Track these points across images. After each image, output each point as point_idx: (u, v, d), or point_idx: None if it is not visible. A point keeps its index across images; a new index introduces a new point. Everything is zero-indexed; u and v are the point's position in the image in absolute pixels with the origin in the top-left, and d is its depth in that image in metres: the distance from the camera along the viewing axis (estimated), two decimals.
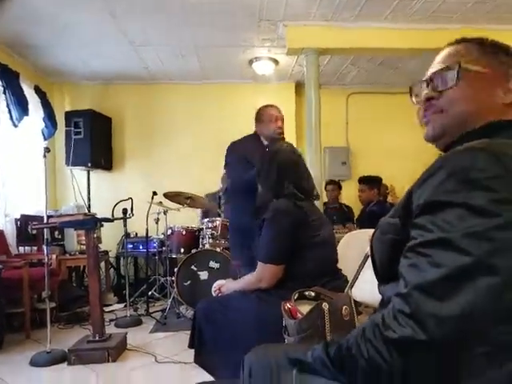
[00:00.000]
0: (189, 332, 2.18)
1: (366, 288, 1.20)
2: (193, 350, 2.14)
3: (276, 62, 5.81)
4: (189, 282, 4.41)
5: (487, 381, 0.75)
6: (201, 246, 4.70)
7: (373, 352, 0.77)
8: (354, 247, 2.32)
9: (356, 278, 1.50)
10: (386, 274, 0.84)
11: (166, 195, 4.79)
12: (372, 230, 1.05)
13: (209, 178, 5.92)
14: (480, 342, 0.73)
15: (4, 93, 4.81)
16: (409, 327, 0.73)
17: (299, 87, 6.73)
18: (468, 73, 1.01)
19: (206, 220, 4.82)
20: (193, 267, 4.42)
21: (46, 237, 3.40)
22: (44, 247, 3.41)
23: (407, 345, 0.73)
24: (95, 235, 3.36)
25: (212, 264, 4.41)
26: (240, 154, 3.31)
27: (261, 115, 3.45)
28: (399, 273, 0.81)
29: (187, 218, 5.73)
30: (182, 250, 4.79)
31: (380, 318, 0.79)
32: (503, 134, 0.90)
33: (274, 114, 3.42)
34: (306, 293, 1.58)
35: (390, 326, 0.76)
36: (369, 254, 1.07)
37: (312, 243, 2.01)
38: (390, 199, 5.84)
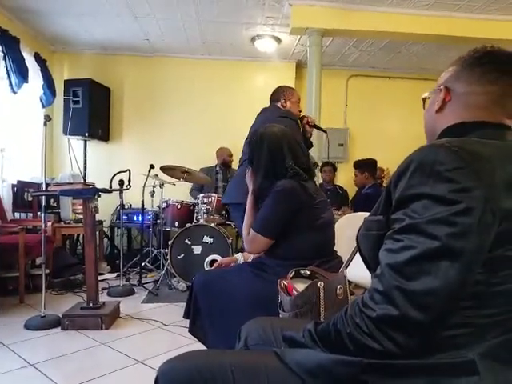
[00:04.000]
0: (180, 304, 2.21)
1: (360, 269, 1.26)
2: (186, 322, 2.20)
3: (279, 40, 5.78)
4: (182, 256, 4.47)
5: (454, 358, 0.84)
6: (195, 221, 4.76)
7: (353, 326, 0.86)
8: (349, 229, 2.37)
9: (351, 259, 1.56)
10: (374, 265, 0.91)
11: (162, 168, 4.79)
12: (366, 214, 1.11)
13: (207, 153, 5.95)
14: (446, 322, 0.82)
15: (4, 59, 4.75)
16: (383, 304, 0.81)
17: (300, 67, 6.72)
18: None
19: (201, 195, 4.86)
20: (187, 241, 4.49)
21: (43, 204, 3.43)
22: (41, 214, 3.43)
23: (384, 322, 0.81)
24: (93, 205, 3.39)
25: (206, 239, 4.47)
26: None
27: (290, 95, 3.44)
28: (379, 259, 0.89)
29: (183, 192, 5.77)
30: (177, 224, 4.88)
31: (361, 298, 0.88)
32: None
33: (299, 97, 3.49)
34: (302, 271, 1.64)
35: (368, 305, 0.84)
36: None
37: (314, 226, 2.00)
38: (385, 182, 5.84)
